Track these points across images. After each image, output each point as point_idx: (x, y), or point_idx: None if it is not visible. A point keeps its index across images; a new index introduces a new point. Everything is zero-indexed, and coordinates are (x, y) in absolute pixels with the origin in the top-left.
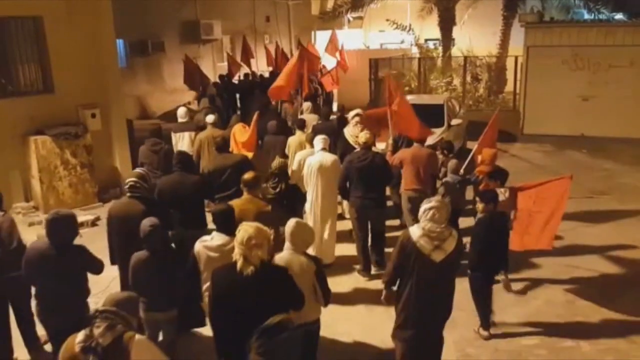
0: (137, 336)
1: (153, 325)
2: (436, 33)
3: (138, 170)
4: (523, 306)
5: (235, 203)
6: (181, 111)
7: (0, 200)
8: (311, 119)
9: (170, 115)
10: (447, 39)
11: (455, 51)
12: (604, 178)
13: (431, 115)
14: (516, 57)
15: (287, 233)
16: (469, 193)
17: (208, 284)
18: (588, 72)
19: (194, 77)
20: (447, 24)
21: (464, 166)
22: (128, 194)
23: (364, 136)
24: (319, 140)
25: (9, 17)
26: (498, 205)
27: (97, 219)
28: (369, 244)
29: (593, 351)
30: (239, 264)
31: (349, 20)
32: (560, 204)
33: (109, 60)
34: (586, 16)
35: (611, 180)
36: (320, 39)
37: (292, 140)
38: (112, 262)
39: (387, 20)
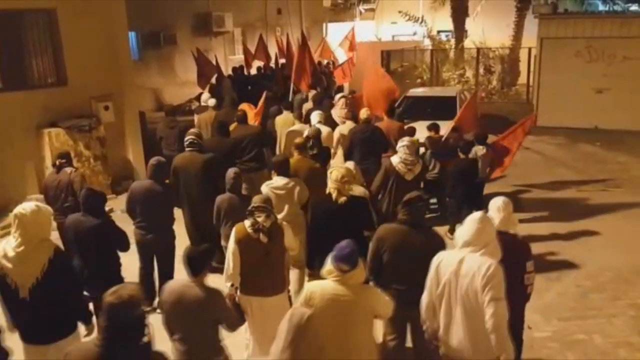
0: (284, 222)
1: None
2: (449, 25)
3: (194, 130)
4: (535, 299)
5: (291, 161)
6: (204, 96)
7: (69, 159)
8: (308, 105)
9: (182, 108)
10: (459, 31)
11: (468, 43)
12: (617, 171)
13: (443, 108)
14: (529, 49)
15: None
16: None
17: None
18: (602, 64)
19: (206, 70)
20: (459, 15)
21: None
22: (188, 149)
23: (365, 112)
24: (315, 115)
25: (24, 10)
26: (479, 157)
27: (111, 210)
28: None
29: (605, 344)
30: (334, 195)
31: (360, 12)
32: (519, 135)
33: (121, 53)
34: (601, 7)
35: (625, 174)
36: (331, 31)
37: (279, 119)
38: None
39: (399, 12)
